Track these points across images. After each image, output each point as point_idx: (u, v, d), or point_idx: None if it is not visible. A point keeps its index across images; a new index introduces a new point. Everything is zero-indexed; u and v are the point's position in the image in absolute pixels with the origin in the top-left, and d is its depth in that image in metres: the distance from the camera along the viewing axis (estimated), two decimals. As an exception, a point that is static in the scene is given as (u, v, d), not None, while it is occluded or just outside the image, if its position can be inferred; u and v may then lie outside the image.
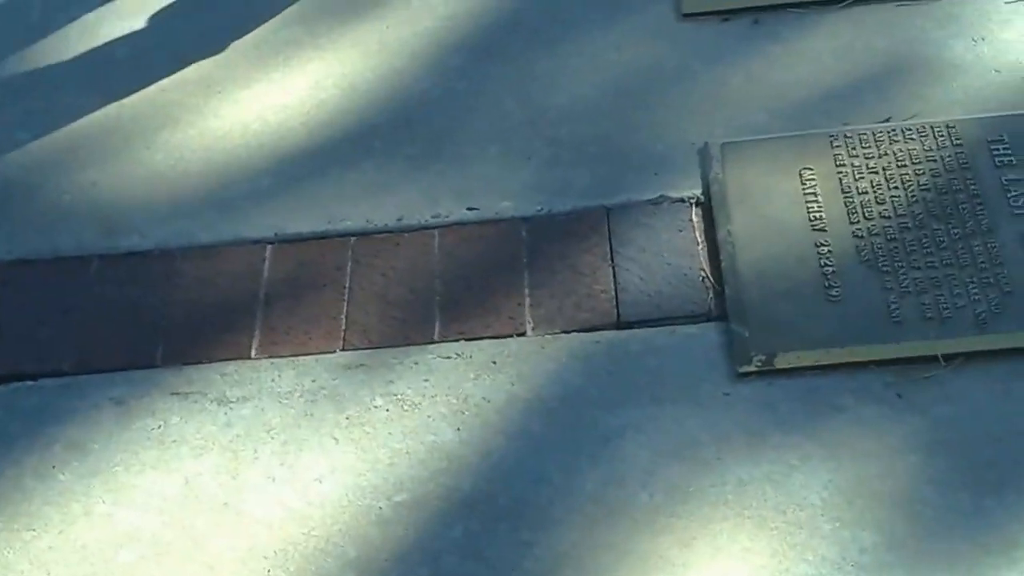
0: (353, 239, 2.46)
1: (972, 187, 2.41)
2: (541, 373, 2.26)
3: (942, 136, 2.49)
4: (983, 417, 2.13)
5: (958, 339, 2.21)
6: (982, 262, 2.30)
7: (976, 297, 2.25)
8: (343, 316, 2.35)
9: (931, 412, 2.14)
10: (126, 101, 2.78)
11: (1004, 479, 2.05)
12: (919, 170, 2.45)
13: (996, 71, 2.61)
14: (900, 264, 2.31)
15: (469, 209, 2.50)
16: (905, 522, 2.02)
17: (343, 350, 2.31)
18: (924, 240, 2.34)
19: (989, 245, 2.31)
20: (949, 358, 2.19)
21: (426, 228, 2.47)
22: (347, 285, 2.39)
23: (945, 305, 2.24)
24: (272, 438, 2.20)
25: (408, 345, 2.31)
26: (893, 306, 2.26)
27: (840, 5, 2.76)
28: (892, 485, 2.06)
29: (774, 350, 2.24)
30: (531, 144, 2.60)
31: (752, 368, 2.23)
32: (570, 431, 2.18)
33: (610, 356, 2.28)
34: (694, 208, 2.47)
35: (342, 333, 2.33)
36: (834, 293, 2.29)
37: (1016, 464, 2.07)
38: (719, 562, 2.00)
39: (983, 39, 2.67)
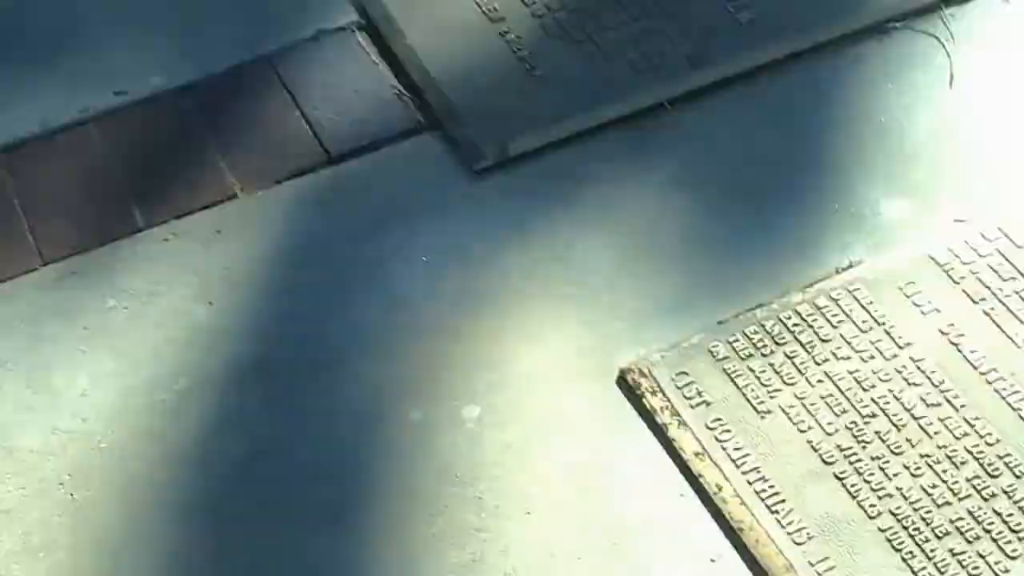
0: (1, 155, 2.54)
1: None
2: (273, 226, 2.47)
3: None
4: (720, 147, 2.56)
5: (675, 82, 2.63)
6: (671, 10, 2.73)
7: (678, 41, 2.68)
8: (28, 232, 2.43)
9: (674, 154, 2.55)
10: None
11: (756, 200, 2.48)
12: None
13: None
14: (592, 30, 2.71)
15: (116, 94, 2.64)
16: (684, 260, 2.42)
17: (44, 265, 2.39)
18: (606, 3, 2.75)
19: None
20: (673, 102, 2.61)
21: (80, 124, 2.59)
22: (16, 202, 2.47)
23: (652, 56, 2.66)
24: (10, 371, 2.26)
25: (115, 241, 2.43)
26: (602, 69, 2.65)
27: None
28: (661, 230, 2.45)
29: (503, 138, 2.57)
30: (161, 13, 2.77)
31: (488, 162, 2.54)
32: (332, 271, 2.40)
33: (338, 191, 2.52)
34: (358, 33, 2.75)
35: (36, 249, 2.40)
36: (538, 73, 2.65)
37: (763, 186, 2.51)
38: (535, 346, 2.30)
39: None
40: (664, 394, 2.20)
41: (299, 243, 2.45)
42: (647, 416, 2.19)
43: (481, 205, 2.50)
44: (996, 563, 1.98)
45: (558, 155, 2.56)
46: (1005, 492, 2.05)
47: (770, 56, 2.67)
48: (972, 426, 2.11)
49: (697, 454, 2.13)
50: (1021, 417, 2.11)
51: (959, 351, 2.20)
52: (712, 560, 2.05)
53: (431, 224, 2.47)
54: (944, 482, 2.06)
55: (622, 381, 2.23)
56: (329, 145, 2.58)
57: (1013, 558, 1.98)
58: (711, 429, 2.15)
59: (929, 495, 2.05)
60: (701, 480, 2.11)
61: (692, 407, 2.18)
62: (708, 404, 2.18)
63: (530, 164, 2.56)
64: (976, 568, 1.98)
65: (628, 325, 2.31)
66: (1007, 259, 2.30)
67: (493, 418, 2.22)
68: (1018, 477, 2.06)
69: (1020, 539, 2.00)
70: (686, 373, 2.22)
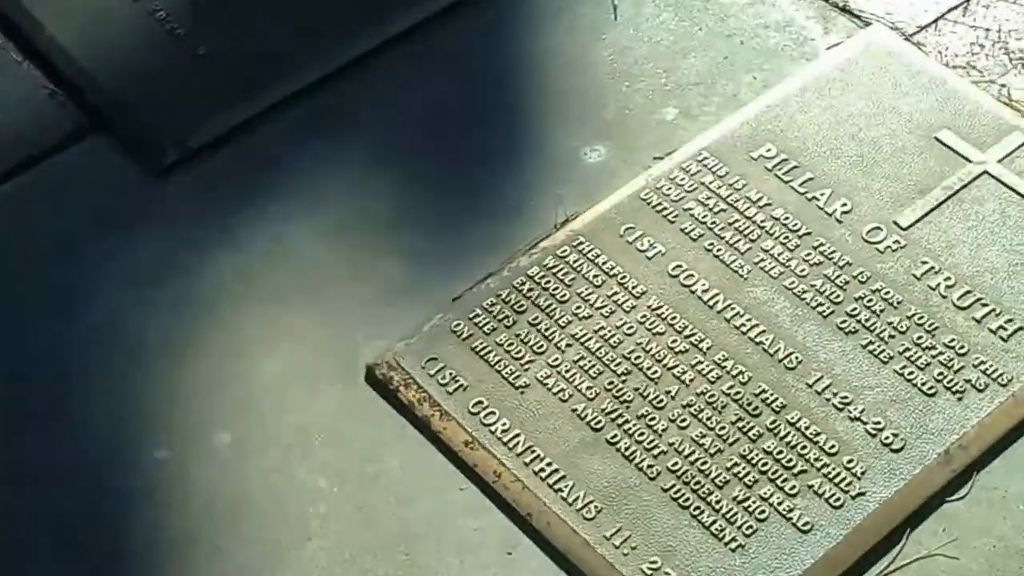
0: None
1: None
2: None
3: None
4: (409, 109, 2.48)
5: (345, 45, 2.54)
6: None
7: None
8: None
9: (366, 123, 2.46)
10: None
11: (460, 163, 2.43)
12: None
13: None
14: None
15: None
16: (402, 238, 2.35)
17: None
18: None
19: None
20: (348, 66, 2.52)
21: None
22: None
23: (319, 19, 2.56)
24: None
25: None
26: (268, 39, 2.52)
27: None
28: (371, 208, 2.37)
29: (182, 130, 2.41)
30: None
31: (171, 159, 2.39)
32: (22, 305, 2.22)
33: (4, 216, 2.31)
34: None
35: None
36: (202, 51, 2.50)
37: (463, 146, 2.45)
38: (271, 356, 2.20)
39: None
40: (418, 385, 2.15)
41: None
42: (406, 411, 2.13)
43: (174, 208, 2.35)
44: (780, 504, 2.04)
45: (246, 138, 2.44)
46: (769, 430, 2.11)
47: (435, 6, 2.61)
48: (723, 368, 2.16)
49: (467, 443, 2.10)
50: (765, 350, 2.18)
51: (692, 292, 2.24)
52: (509, 553, 2.02)
53: (123, 238, 2.31)
54: (711, 430, 2.11)
55: (371, 378, 2.17)
56: (-17, 164, 2.37)
57: (793, 495, 2.05)
58: (475, 414, 2.12)
59: (700, 445, 2.10)
60: (477, 470, 2.08)
61: (450, 393, 2.14)
62: (465, 388, 2.15)
63: (218, 154, 2.43)
64: (763, 512, 2.04)
65: (361, 317, 2.24)
66: (712, 190, 2.35)
67: (247, 444, 2.12)
68: (777, 412, 2.12)
69: (795, 475, 2.07)
70: (435, 359, 2.17)
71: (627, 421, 2.12)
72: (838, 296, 2.23)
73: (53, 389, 2.15)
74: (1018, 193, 2.33)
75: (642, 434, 2.11)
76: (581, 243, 2.29)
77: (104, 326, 2.21)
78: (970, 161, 2.37)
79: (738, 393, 2.14)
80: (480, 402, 2.13)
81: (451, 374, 2.16)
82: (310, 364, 2.18)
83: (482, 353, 2.18)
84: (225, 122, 2.43)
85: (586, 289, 2.24)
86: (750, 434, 2.10)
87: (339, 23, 2.55)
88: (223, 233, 2.32)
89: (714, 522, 2.03)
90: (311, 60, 2.50)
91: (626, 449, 2.09)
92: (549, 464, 2.08)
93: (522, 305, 2.23)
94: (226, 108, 2.44)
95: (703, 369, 2.16)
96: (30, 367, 2.17)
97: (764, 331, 2.20)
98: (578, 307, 2.22)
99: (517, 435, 2.10)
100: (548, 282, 2.25)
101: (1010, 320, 2.20)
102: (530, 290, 2.24)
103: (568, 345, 2.19)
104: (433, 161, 2.42)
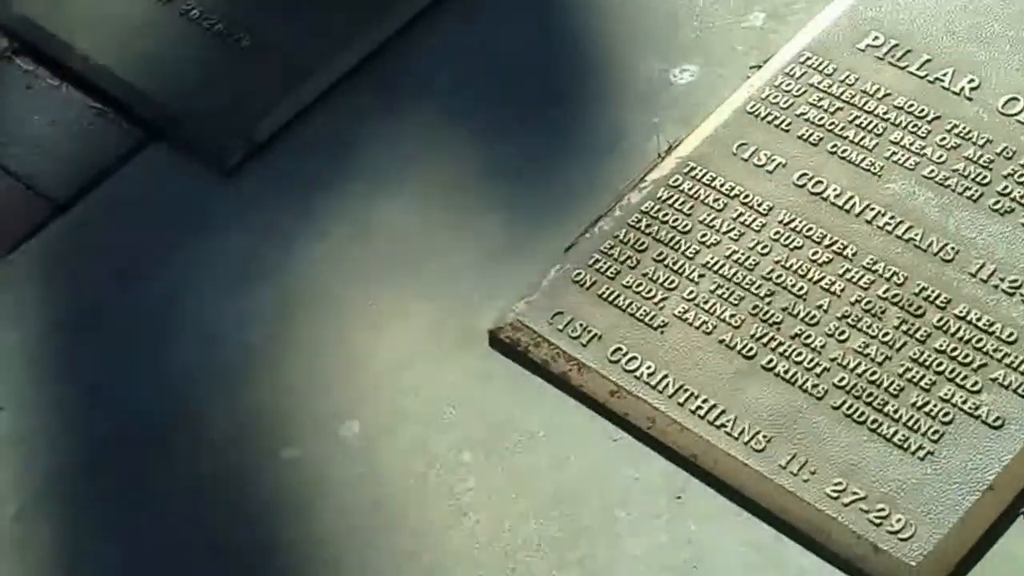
0: None
1: None
2: (42, 284, 2.17)
3: None
4: (475, 60, 2.34)
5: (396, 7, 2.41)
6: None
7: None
8: None
9: (433, 81, 2.32)
10: None
11: (543, 105, 2.28)
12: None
13: None
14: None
15: None
16: (496, 195, 2.20)
17: None
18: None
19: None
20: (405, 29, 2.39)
21: None
22: None
23: None
24: None
25: None
26: (315, 16, 2.39)
27: None
28: (457, 167, 2.22)
29: (244, 127, 2.28)
30: None
31: (238, 157, 2.27)
32: (120, 329, 2.11)
33: (84, 237, 2.20)
34: (18, 59, 2.42)
35: None
36: (246, 43, 2.37)
37: (541, 89, 2.30)
38: (383, 337, 2.06)
39: None
40: (549, 342, 1.99)
41: (72, 306, 2.13)
42: (540, 371, 1.98)
43: (251, 205, 2.21)
44: (964, 402, 1.87)
45: (311, 123, 2.31)
46: (937, 328, 1.94)
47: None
48: (874, 271, 2.00)
49: (613, 393, 1.94)
50: (916, 246, 2.01)
51: (824, 199, 2.07)
52: (678, 497, 1.86)
53: (208, 243, 2.19)
54: (874, 338, 1.94)
55: (497, 343, 2.02)
56: (50, 193, 2.24)
57: (977, 391, 1.88)
58: (615, 362, 1.96)
59: (866, 356, 1.93)
60: (629, 419, 1.92)
61: (584, 345, 1.98)
62: (599, 337, 1.99)
63: (283, 144, 2.30)
64: (947, 414, 1.87)
65: (471, 283, 2.09)
66: (823, 91, 2.18)
67: (377, 428, 1.97)
68: (943, 308, 1.96)
69: (974, 370, 1.90)
70: (561, 312, 2.02)
71: (781, 343, 1.96)
72: (984, 177, 2.06)
73: (170, 408, 2.02)
74: None
75: (800, 354, 1.94)
76: (692, 168, 2.13)
77: (208, 335, 2.08)
78: (1102, 15, 2.22)
79: (896, 295, 1.97)
80: (619, 348, 1.98)
81: (582, 325, 2.00)
82: (428, 340, 2.03)
83: (610, 299, 2.03)
84: (287, 110, 2.30)
85: (708, 215, 2.09)
86: (917, 335, 1.94)
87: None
88: (306, 222, 2.18)
89: (895, 432, 1.87)
90: (361, 30, 2.36)
91: (785, 372, 1.93)
92: (705, 401, 1.92)
93: (643, 243, 2.08)
94: (284, 96, 2.30)
95: (853, 277, 2.00)
96: (145, 395, 2.04)
97: (911, 226, 2.03)
98: (703, 235, 2.07)
99: (665, 376, 1.95)
100: (666, 214, 2.10)
101: None
102: (648, 226, 2.09)
103: (701, 276, 2.03)
104: (512, 109, 2.26)
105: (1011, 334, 1.92)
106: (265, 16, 2.40)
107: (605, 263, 2.06)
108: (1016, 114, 2.12)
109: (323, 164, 2.25)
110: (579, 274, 2.05)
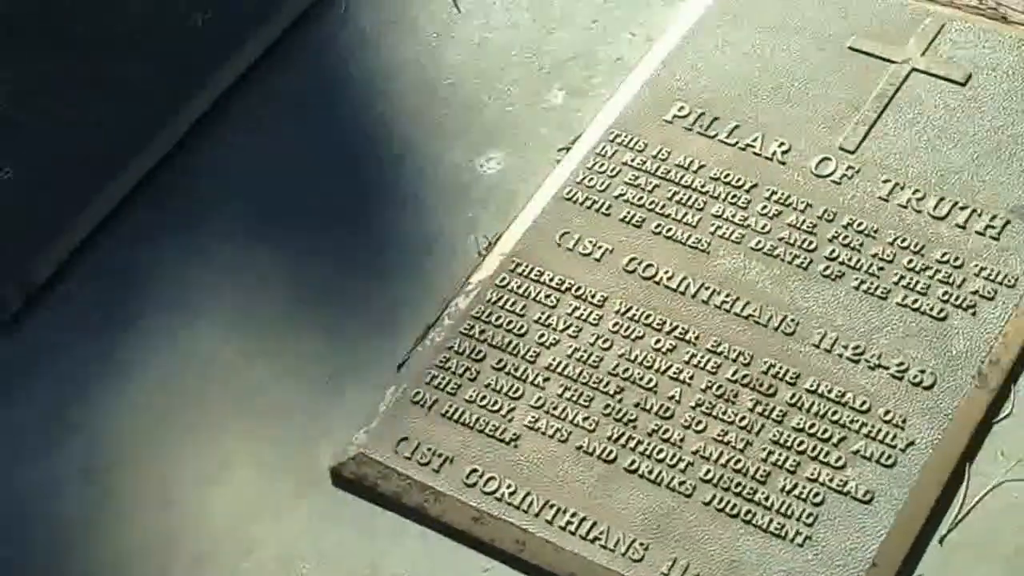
0: None
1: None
2: None
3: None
4: (257, 165, 2.25)
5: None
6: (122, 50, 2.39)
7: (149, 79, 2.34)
8: None
9: (219, 201, 2.22)
10: None
11: (345, 215, 2.20)
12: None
13: None
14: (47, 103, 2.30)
15: None
16: (315, 317, 2.11)
17: None
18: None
19: None
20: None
21: None
22: None
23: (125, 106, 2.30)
24: None
25: None
26: (77, 143, 2.25)
27: None
28: (267, 294, 2.12)
29: (18, 270, 2.13)
30: None
31: (16, 307, 2.12)
32: None
33: None
34: None
35: None
36: (7, 175, 2.21)
37: (343, 196, 2.21)
38: (221, 486, 1.94)
39: None
40: (398, 472, 1.91)
41: None
42: (394, 505, 1.90)
43: (42, 355, 2.06)
44: (831, 480, 1.86)
45: (93, 254, 2.17)
46: (792, 405, 1.93)
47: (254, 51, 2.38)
48: (719, 354, 1.98)
49: (476, 519, 1.87)
50: (756, 322, 2.00)
51: (657, 283, 2.05)
52: (561, 626, 1.81)
53: (-2, 408, 2.02)
54: (732, 424, 1.92)
55: (341, 481, 1.92)
56: None
57: (841, 467, 1.88)
58: (472, 485, 1.89)
59: (726, 444, 1.90)
60: (497, 544, 1.85)
61: (436, 471, 1.91)
62: (451, 460, 1.92)
63: (68, 282, 2.14)
64: (817, 494, 1.86)
65: (304, 418, 1.99)
66: (637, 168, 2.16)
67: None
68: (792, 384, 1.95)
69: (835, 445, 1.89)
70: (406, 438, 1.94)
71: (640, 442, 1.92)
72: (810, 243, 2.07)
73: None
74: (953, 81, 2.22)
75: (660, 451, 1.91)
76: (518, 264, 2.08)
77: (7, 515, 1.92)
78: (893, 62, 2.24)
79: (745, 376, 1.96)
80: (474, 470, 1.91)
81: (430, 449, 1.93)
82: (264, 488, 1.92)
83: (456, 417, 1.96)
84: (63, 246, 2.15)
85: (542, 313, 2.04)
86: (773, 416, 1.93)
87: (156, 96, 2.30)
88: (108, 367, 2.04)
89: (770, 521, 1.85)
90: (137, 146, 2.25)
91: (650, 472, 1.89)
92: (575, 515, 1.87)
93: (479, 351, 2.01)
94: (61, 229, 2.16)
95: (699, 362, 1.98)
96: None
97: (748, 302, 2.03)
98: (541, 335, 2.02)
99: (527, 494, 1.88)
100: (498, 317, 2.04)
101: (994, 216, 2.08)
102: (481, 332, 2.02)
103: (545, 379, 1.98)
104: (315, 219, 2.18)
105: (863, 402, 1.93)
106: (29, 139, 2.25)
107: (443, 378, 1.99)
108: (829, 175, 2.14)
109: (117, 298, 2.12)
110: (418, 394, 1.98)
